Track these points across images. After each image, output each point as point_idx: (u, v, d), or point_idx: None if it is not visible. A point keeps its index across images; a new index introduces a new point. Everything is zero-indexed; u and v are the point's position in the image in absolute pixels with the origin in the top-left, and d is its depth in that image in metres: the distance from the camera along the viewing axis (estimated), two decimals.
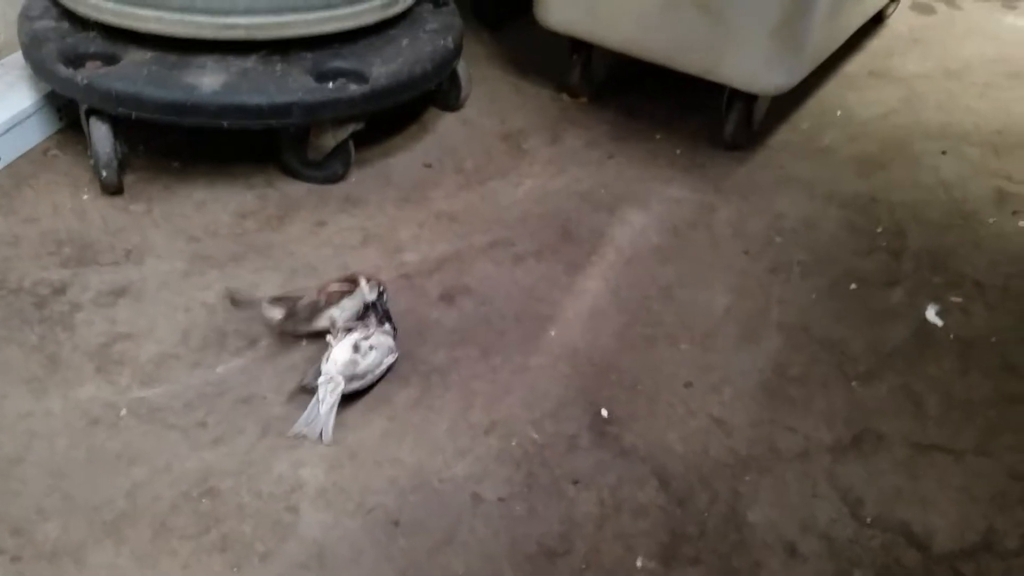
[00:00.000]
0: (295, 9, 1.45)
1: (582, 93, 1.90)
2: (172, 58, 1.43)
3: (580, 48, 1.84)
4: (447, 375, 1.21)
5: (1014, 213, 1.61)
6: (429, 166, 1.64)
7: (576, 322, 1.32)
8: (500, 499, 1.05)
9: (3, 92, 1.55)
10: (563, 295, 1.37)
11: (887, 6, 2.18)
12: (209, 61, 1.43)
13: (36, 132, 1.56)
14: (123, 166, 1.46)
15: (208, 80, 1.40)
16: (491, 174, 1.65)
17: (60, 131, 1.59)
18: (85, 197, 1.46)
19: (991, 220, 1.59)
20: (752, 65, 1.60)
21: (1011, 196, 1.65)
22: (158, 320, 1.24)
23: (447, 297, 1.34)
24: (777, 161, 1.74)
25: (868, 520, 1.07)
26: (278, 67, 1.45)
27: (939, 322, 1.36)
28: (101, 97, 1.38)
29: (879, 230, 1.55)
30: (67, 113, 1.59)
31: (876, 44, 2.18)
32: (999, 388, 1.25)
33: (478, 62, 1.97)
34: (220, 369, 1.18)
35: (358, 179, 1.57)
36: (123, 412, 1.11)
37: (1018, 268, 1.48)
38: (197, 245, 1.39)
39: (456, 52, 1.68)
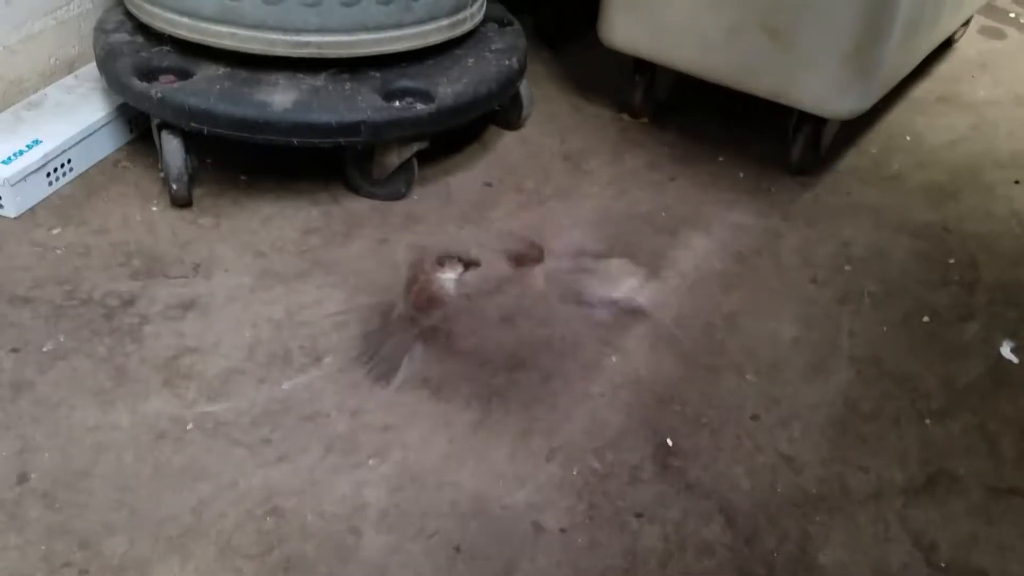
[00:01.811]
0: (365, 28, 1.45)
1: (644, 113, 1.89)
2: (244, 74, 1.44)
3: (643, 68, 1.82)
4: (507, 399, 1.20)
5: None
6: (489, 185, 1.64)
7: (638, 349, 1.31)
8: (561, 529, 1.04)
9: (76, 103, 1.58)
10: (624, 320, 1.36)
11: (956, 30, 2.13)
12: (280, 78, 1.45)
13: (108, 143, 1.59)
14: (192, 179, 1.48)
15: (279, 97, 1.41)
16: (551, 194, 1.64)
17: (131, 142, 1.62)
18: (155, 209, 1.48)
19: None
20: (823, 89, 1.57)
21: None
22: (225, 335, 1.25)
23: (507, 319, 1.33)
24: (845, 187, 1.71)
25: (942, 565, 1.03)
26: (347, 85, 1.46)
27: (1015, 359, 1.31)
28: (174, 112, 1.40)
29: (951, 261, 1.51)
30: (138, 125, 1.62)
31: (944, 69, 2.13)
32: None
33: (538, 81, 1.96)
34: (285, 385, 1.19)
35: (420, 197, 1.58)
36: (189, 427, 1.12)
37: None
38: (264, 260, 1.40)
39: (520, 72, 1.68)
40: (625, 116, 1.89)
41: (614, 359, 1.29)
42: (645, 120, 1.88)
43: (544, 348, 1.29)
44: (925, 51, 1.84)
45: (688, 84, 1.78)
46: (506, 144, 1.77)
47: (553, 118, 1.87)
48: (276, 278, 1.36)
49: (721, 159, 1.76)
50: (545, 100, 1.92)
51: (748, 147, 1.78)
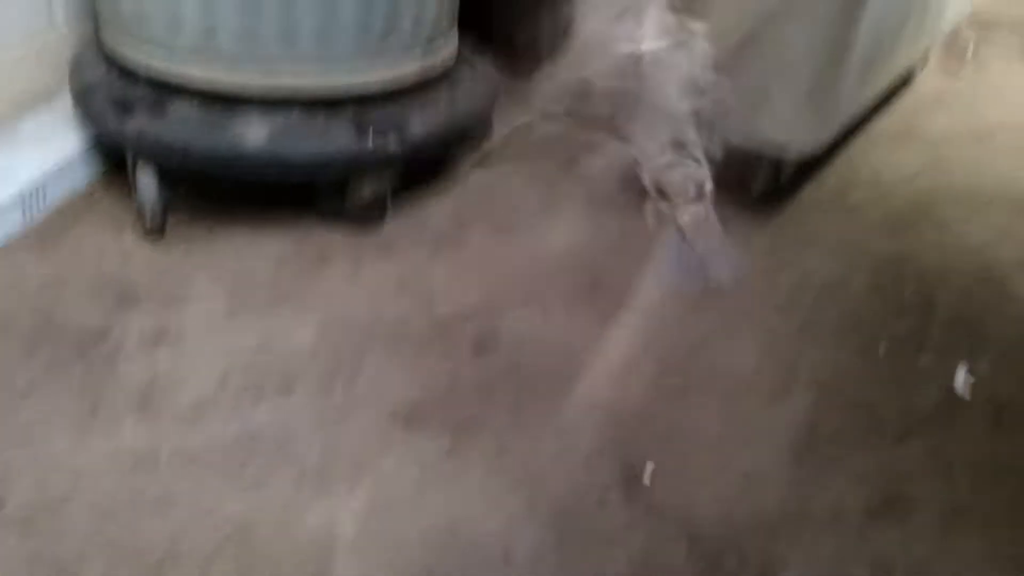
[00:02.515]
0: (339, 64, 1.49)
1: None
2: (219, 110, 1.47)
3: None
4: (479, 427, 1.23)
5: None
6: (462, 216, 1.67)
7: (607, 374, 1.34)
8: (531, 556, 1.06)
9: (51, 135, 1.60)
10: (594, 347, 1.39)
11: (915, 67, 2.21)
12: (254, 113, 1.47)
13: (83, 175, 1.60)
14: (167, 211, 1.50)
15: (253, 133, 1.44)
16: (522, 224, 1.67)
17: (105, 173, 1.64)
18: (129, 240, 1.49)
19: (1017, 286, 1.59)
20: (781, 127, 1.63)
21: None
22: (198, 364, 1.27)
23: (478, 347, 1.36)
24: (805, 219, 1.76)
25: None
26: (320, 120, 1.49)
27: (968, 386, 1.36)
28: (148, 147, 1.42)
29: (907, 292, 1.56)
30: (113, 156, 1.64)
31: (903, 104, 2.20)
32: None
33: (510, 111, 2.00)
34: (257, 416, 1.20)
35: (393, 227, 1.61)
36: (164, 456, 1.13)
37: None
38: (236, 291, 1.41)
39: (491, 108, 1.72)
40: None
41: (585, 384, 1.31)
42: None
43: (516, 374, 1.32)
44: (881, 88, 1.91)
45: None
46: (478, 174, 1.80)
47: (524, 147, 1.91)
48: (249, 308, 1.38)
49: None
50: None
51: (716, 177, 1.82)
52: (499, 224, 1.66)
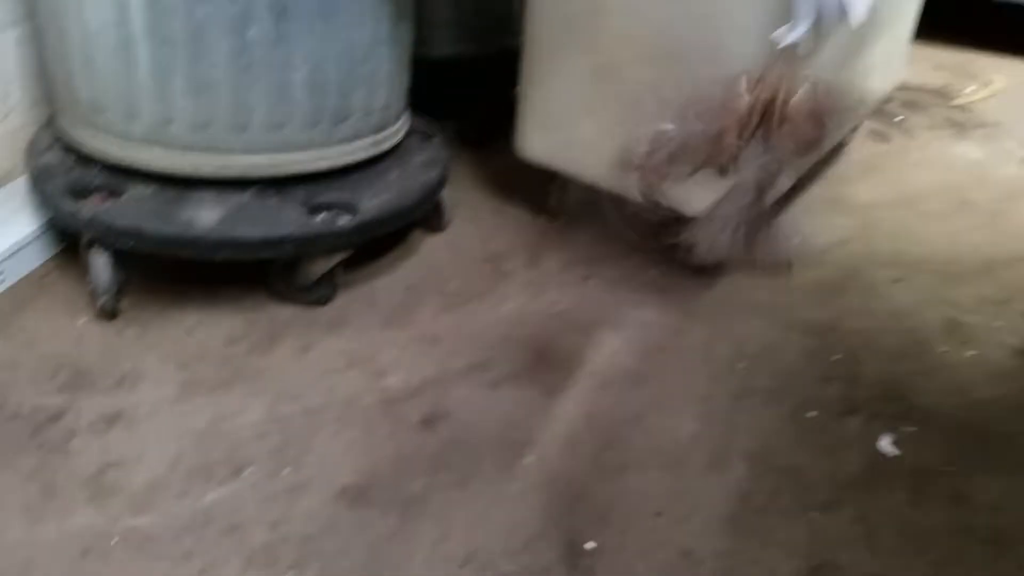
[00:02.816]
0: (290, 149, 1.55)
1: (560, 216, 2.01)
2: (172, 192, 1.52)
3: (558, 176, 1.95)
4: (425, 504, 1.26)
5: (964, 343, 1.70)
6: (413, 289, 1.73)
7: (552, 448, 1.39)
8: None
9: (6, 217, 1.63)
10: (540, 420, 1.44)
11: (846, 136, 2.32)
12: (207, 195, 1.52)
13: (37, 256, 1.63)
14: (120, 292, 1.54)
15: (206, 214, 1.49)
16: (472, 296, 1.73)
17: (60, 254, 1.67)
18: (82, 322, 1.52)
19: (942, 350, 1.68)
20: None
21: (961, 326, 1.75)
22: (149, 448, 1.30)
23: (427, 422, 1.40)
24: (742, 285, 1.84)
25: None
26: (273, 201, 1.55)
27: (894, 452, 1.43)
28: (102, 230, 1.46)
29: (836, 358, 1.64)
30: (67, 238, 1.67)
31: (834, 172, 2.31)
32: (951, 519, 1.32)
33: (462, 183, 2.07)
34: (207, 498, 1.23)
35: (344, 302, 1.65)
36: (115, 541, 1.15)
37: (968, 398, 1.56)
38: (188, 371, 1.45)
39: (442, 183, 1.79)
40: (544, 219, 2.01)
41: (530, 458, 1.36)
42: (563, 222, 2.00)
43: (463, 449, 1.36)
44: (809, 161, 2.01)
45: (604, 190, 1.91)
46: (429, 247, 1.86)
47: (475, 220, 1.98)
48: (200, 388, 1.41)
49: (631, 259, 1.88)
50: (468, 203, 2.02)
51: (657, 248, 1.90)
52: (450, 296, 1.72)
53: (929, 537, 1.29)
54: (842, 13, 1.37)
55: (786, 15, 1.46)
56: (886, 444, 1.44)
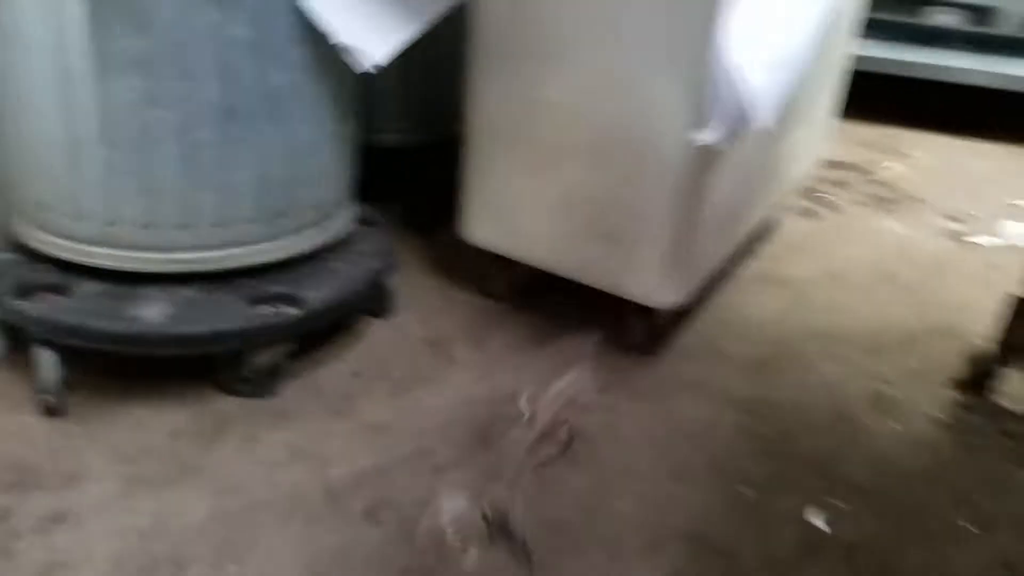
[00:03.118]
0: (235, 244, 1.59)
1: (506, 298, 2.07)
2: (120, 289, 1.55)
3: (503, 259, 2.02)
4: None
5: (888, 415, 1.78)
6: (358, 376, 1.76)
7: (485, 547, 1.41)
8: None
9: None
10: (482, 508, 1.47)
11: (777, 214, 2.44)
12: (154, 291, 1.55)
13: None
14: (66, 389, 1.55)
15: (152, 311, 1.52)
16: (418, 381, 1.77)
17: (6, 353, 1.67)
18: (29, 419, 1.53)
19: (868, 423, 1.76)
20: (648, 283, 1.80)
21: (886, 398, 1.84)
22: (94, 547, 1.30)
23: (370, 514, 1.42)
24: (679, 364, 1.91)
25: None
26: (218, 295, 1.58)
27: (824, 527, 1.49)
28: (49, 328, 1.48)
29: (770, 434, 1.70)
30: (13, 336, 1.68)
31: (767, 249, 2.42)
32: None
33: (408, 267, 2.13)
34: None
35: (289, 392, 1.68)
36: None
37: (893, 471, 1.63)
38: (133, 467, 1.46)
39: (387, 270, 1.84)
40: (489, 301, 2.06)
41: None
42: (507, 304, 2.06)
43: (406, 540, 1.38)
44: (740, 240, 2.12)
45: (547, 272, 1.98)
46: (375, 333, 1.91)
47: (421, 304, 2.03)
48: (145, 485, 1.42)
49: (575, 339, 1.94)
50: (413, 287, 2.08)
51: (599, 328, 1.96)
52: (395, 382, 1.75)
53: None
54: (751, 118, 1.48)
55: (706, 118, 1.56)
56: (817, 519, 1.50)
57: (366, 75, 1.63)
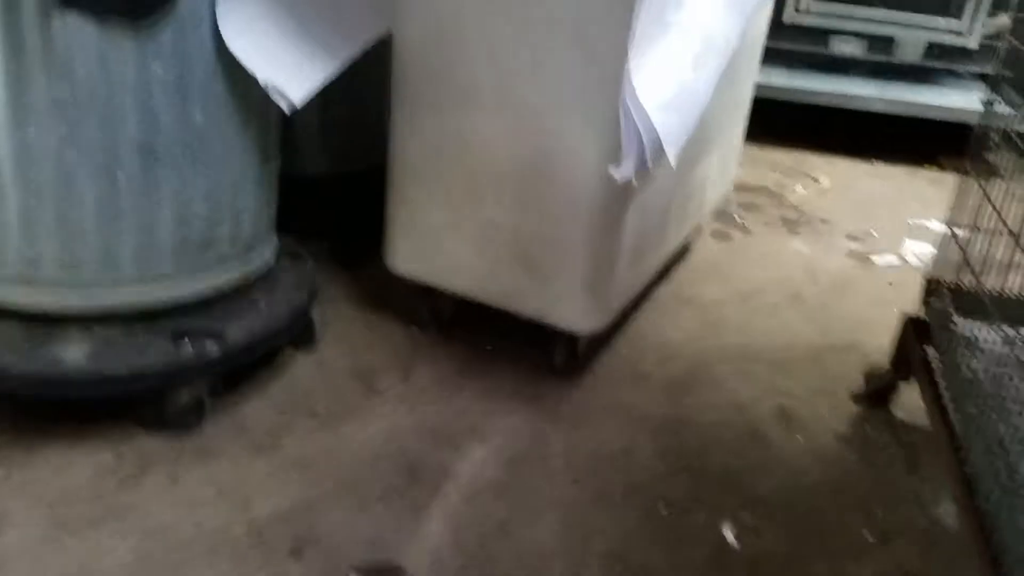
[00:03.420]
0: (157, 281, 1.60)
1: (432, 328, 2.11)
2: (39, 331, 1.53)
3: (428, 289, 2.06)
4: None
5: (795, 431, 1.88)
6: (282, 412, 1.77)
7: (418, 568, 1.45)
8: None
9: None
10: (407, 540, 1.50)
11: (691, 237, 2.54)
12: (74, 333, 1.55)
13: None
14: None
15: (72, 353, 1.51)
16: (343, 415, 1.79)
17: None
18: None
19: (776, 438, 1.85)
20: (569, 310, 1.86)
21: (792, 413, 1.94)
22: None
23: (296, 551, 1.44)
24: (601, 388, 1.98)
25: None
26: (139, 335, 1.58)
27: (735, 542, 1.57)
28: None
29: (685, 453, 1.78)
30: None
31: (682, 272, 2.52)
32: None
33: (334, 300, 2.15)
34: None
35: (213, 429, 1.68)
36: None
37: (798, 485, 1.73)
38: (56, 511, 1.45)
39: (311, 302, 1.87)
40: (415, 331, 2.10)
41: None
42: (433, 334, 2.10)
43: (331, 574, 1.41)
44: (656, 267, 2.20)
45: (473, 301, 2.02)
46: (300, 366, 1.92)
47: (347, 337, 2.05)
48: (68, 529, 1.42)
49: (502, 368, 1.99)
50: (340, 320, 2.10)
51: (525, 355, 2.02)
52: (321, 416, 1.77)
53: None
54: (656, 155, 1.56)
55: (618, 154, 1.64)
56: (729, 535, 1.58)
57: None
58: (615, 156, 1.65)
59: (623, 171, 1.61)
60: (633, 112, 1.59)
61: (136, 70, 1.46)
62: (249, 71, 1.56)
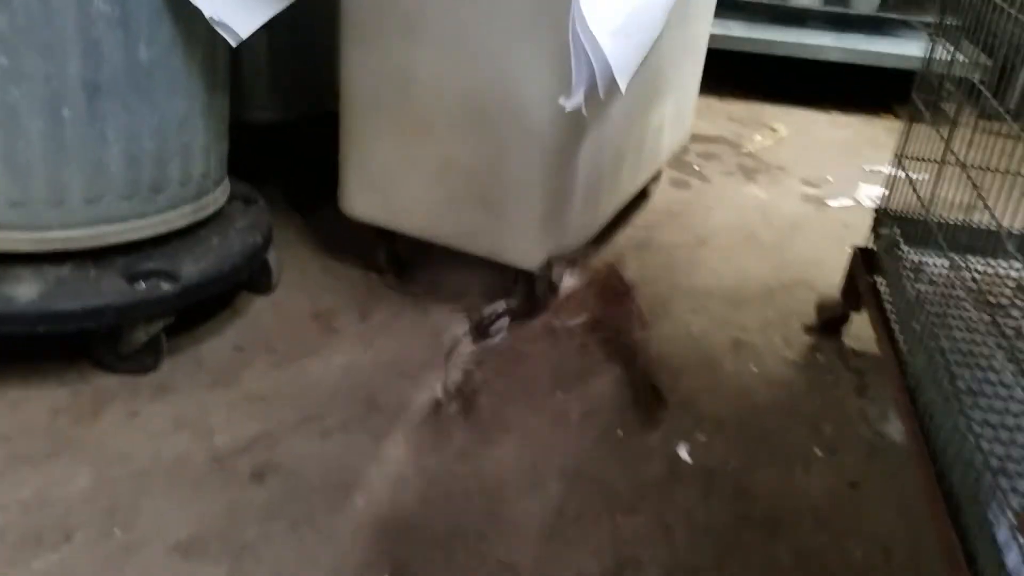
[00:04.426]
0: (107, 221, 1.59)
1: (389, 270, 2.12)
2: None
3: (384, 232, 2.06)
4: (257, 551, 1.32)
5: (747, 359, 1.92)
6: (241, 349, 1.78)
7: (381, 488, 1.47)
8: None
9: None
10: (369, 464, 1.53)
11: (649, 184, 2.57)
12: (26, 271, 1.54)
13: None
14: None
15: (24, 290, 1.50)
16: (302, 353, 1.80)
17: None
18: None
19: (729, 367, 1.89)
20: (525, 249, 1.88)
21: (745, 344, 1.98)
22: None
23: (257, 476, 1.46)
24: (558, 324, 2.00)
25: None
26: (92, 273, 1.58)
27: (688, 458, 1.61)
28: None
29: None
30: None
31: (641, 217, 2.55)
32: (735, 511, 1.50)
33: (290, 245, 2.16)
34: (36, 564, 1.24)
35: (170, 367, 1.69)
36: None
37: (749, 404, 1.77)
38: (12, 444, 1.45)
39: (265, 246, 1.87)
40: (372, 273, 2.11)
41: (359, 499, 1.44)
42: (390, 276, 2.11)
43: (295, 497, 1.43)
44: (613, 209, 2.22)
45: (428, 243, 2.03)
46: (257, 308, 1.93)
47: (304, 280, 2.06)
48: (24, 460, 1.42)
49: (458, 305, 2.01)
50: (296, 263, 2.10)
51: (480, 293, 2.04)
52: (279, 354, 1.78)
53: (715, 529, 1.46)
54: (605, 83, 1.58)
55: (569, 85, 1.65)
56: (683, 452, 1.62)
57: (237, 49, 1.65)
58: (566, 87, 1.66)
59: (573, 100, 1.62)
60: (583, 38, 1.60)
61: (80, 3, 1.45)
62: (195, 4, 1.55)
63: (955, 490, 1.27)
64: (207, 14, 1.57)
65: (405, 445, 1.58)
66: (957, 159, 1.63)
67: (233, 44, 1.61)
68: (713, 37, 2.60)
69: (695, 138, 2.99)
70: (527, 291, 1.99)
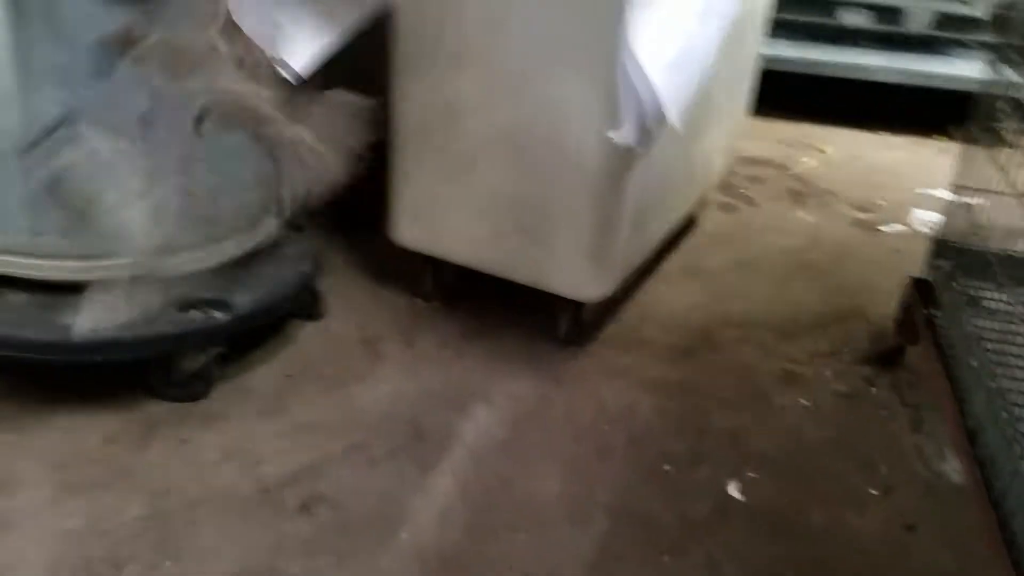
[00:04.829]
0: (163, 251, 1.62)
1: (435, 297, 2.12)
2: (47, 299, 1.56)
3: (431, 259, 2.07)
4: None
5: (798, 392, 1.89)
6: (289, 376, 1.80)
7: (426, 522, 1.47)
8: None
9: None
10: (415, 495, 1.53)
11: (697, 209, 2.54)
12: (81, 299, 1.57)
13: None
14: None
15: (80, 319, 1.53)
16: (349, 380, 1.81)
17: None
18: None
19: (779, 400, 1.86)
20: (572, 278, 1.87)
21: (796, 377, 1.94)
22: (27, 551, 1.32)
23: (304, 508, 1.47)
24: (604, 353, 1.99)
25: None
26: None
27: (738, 496, 1.58)
28: None
29: (687, 414, 1.79)
30: None
31: (689, 243, 2.52)
32: (783, 551, 1.46)
33: (338, 271, 2.17)
34: None
35: (220, 394, 1.71)
36: None
37: (802, 443, 1.74)
38: (64, 472, 1.48)
39: (314, 274, 1.88)
40: (419, 300, 2.12)
41: (405, 533, 1.44)
42: (437, 303, 2.11)
43: (341, 530, 1.43)
44: (661, 236, 2.21)
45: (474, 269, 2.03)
46: (306, 335, 1.94)
47: (351, 306, 2.07)
48: (77, 489, 1.44)
49: (504, 334, 2.00)
50: (344, 289, 2.12)
51: (528, 322, 2.02)
52: (327, 381, 1.80)
53: (767, 569, 1.43)
54: (659, 118, 1.56)
55: (619, 117, 1.64)
56: (732, 489, 1.59)
57: None
58: (615, 119, 1.65)
59: (623, 135, 1.61)
60: (632, 74, 1.60)
61: None
62: (256, 43, 1.57)
63: (1018, 539, 1.23)
64: (268, 53, 1.59)
65: (451, 476, 1.57)
66: (1017, 189, 1.59)
67: (293, 82, 1.63)
68: (760, 57, 2.57)
69: (742, 160, 2.96)
70: (573, 320, 1.98)
